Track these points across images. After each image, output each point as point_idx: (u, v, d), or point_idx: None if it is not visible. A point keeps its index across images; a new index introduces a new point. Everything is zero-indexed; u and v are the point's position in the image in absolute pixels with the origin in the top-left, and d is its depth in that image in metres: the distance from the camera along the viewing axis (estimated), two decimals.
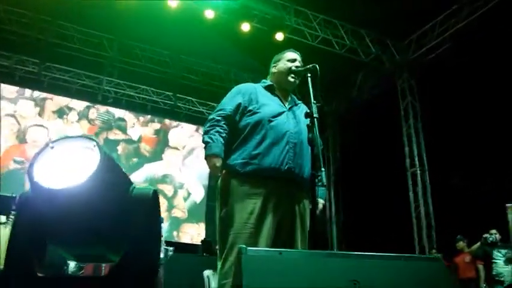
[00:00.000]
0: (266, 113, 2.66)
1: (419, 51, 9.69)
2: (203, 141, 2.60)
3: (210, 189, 10.50)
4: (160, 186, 10.69)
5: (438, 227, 9.32)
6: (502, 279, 6.52)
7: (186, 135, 11.65)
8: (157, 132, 11.39)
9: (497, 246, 6.79)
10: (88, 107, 10.78)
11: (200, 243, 9.76)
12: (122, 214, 1.25)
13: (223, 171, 2.68)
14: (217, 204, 2.67)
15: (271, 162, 2.54)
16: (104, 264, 5.10)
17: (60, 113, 10.47)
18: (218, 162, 2.50)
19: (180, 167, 11.19)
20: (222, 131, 2.59)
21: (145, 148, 11.07)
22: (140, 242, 1.25)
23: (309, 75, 2.65)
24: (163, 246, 7.32)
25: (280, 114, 2.71)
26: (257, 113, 2.66)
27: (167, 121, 11.66)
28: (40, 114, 10.27)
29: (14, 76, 10.36)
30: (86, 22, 9.67)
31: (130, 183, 1.39)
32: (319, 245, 2.40)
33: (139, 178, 10.40)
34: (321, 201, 2.69)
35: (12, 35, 9.55)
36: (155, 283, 1.30)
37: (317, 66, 2.67)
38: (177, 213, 10.72)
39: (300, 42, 9.08)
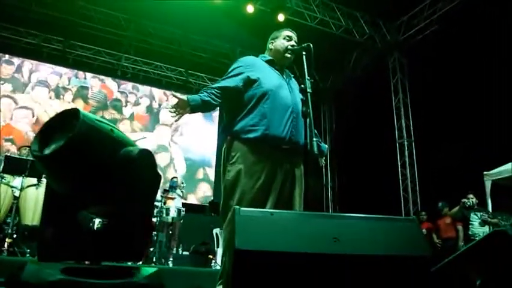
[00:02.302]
0: (271, 84, 2.62)
1: (409, 32, 9.54)
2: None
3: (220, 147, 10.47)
4: (157, 156, 10.56)
5: (423, 192, 9.36)
6: (477, 238, 6.56)
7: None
8: (148, 109, 11.12)
9: (474, 209, 6.82)
10: (83, 87, 10.52)
11: (207, 204, 9.90)
12: (110, 174, 1.24)
13: (229, 137, 2.65)
14: (222, 169, 2.65)
15: (278, 131, 2.52)
16: None
17: (57, 93, 10.24)
18: (184, 98, 2.44)
19: (169, 142, 11.05)
20: (209, 92, 2.52)
21: (137, 125, 10.85)
22: (125, 200, 1.24)
23: (304, 53, 2.61)
24: (177, 207, 7.42)
25: (282, 86, 2.69)
26: (262, 83, 2.61)
27: (159, 99, 11.35)
28: None
29: (41, 53, 10.30)
30: (105, 3, 9.54)
31: (121, 146, 1.37)
32: (310, 204, 2.43)
33: None
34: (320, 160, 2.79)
35: (38, 15, 9.44)
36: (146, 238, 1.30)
37: (311, 45, 2.62)
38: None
39: (299, 23, 8.97)
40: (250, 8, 8.72)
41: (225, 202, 2.55)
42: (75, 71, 10.59)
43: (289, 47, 2.76)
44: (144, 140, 10.66)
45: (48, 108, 9.94)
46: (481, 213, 6.76)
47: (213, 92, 2.55)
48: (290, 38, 2.81)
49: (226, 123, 2.73)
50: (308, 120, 2.44)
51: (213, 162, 11.27)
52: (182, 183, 8.14)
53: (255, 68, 2.69)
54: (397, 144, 9.84)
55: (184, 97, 2.49)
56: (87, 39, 10.32)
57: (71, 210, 1.35)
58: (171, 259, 7.10)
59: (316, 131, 2.77)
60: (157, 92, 11.37)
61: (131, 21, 10.05)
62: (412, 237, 1.30)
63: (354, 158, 10.47)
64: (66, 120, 1.20)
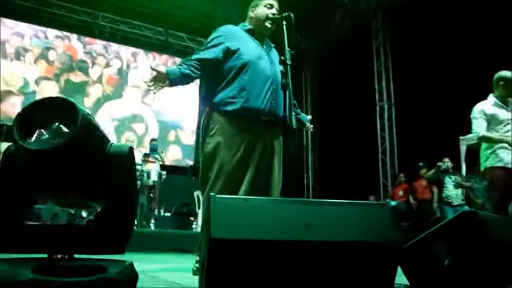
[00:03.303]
0: (251, 55, 2.58)
1: None
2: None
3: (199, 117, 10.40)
4: (133, 126, 10.40)
5: (402, 155, 9.55)
6: (450, 200, 6.80)
7: (146, 74, 11.10)
8: (119, 72, 10.69)
9: (448, 173, 7.00)
10: (47, 48, 9.94)
11: (188, 167, 9.92)
12: (99, 171, 1.21)
13: (208, 109, 2.63)
14: (201, 140, 2.64)
15: (257, 104, 2.51)
16: None
17: (17, 54, 9.61)
18: (163, 71, 2.41)
19: (140, 105, 10.72)
20: (188, 65, 2.49)
21: (107, 88, 10.46)
22: (115, 199, 1.23)
23: (284, 23, 2.56)
24: (158, 171, 7.43)
25: (262, 56, 2.64)
26: (242, 54, 2.56)
27: (128, 60, 10.90)
28: None
29: (14, 10, 9.78)
30: None
31: (108, 141, 1.34)
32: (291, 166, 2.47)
33: (103, 117, 9.99)
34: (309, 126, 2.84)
35: None
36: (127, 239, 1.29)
37: (292, 14, 2.56)
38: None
39: None
40: None
41: (203, 174, 2.57)
42: (36, 30, 9.96)
43: (270, 15, 2.69)
44: (118, 107, 10.36)
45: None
46: (455, 177, 6.95)
47: (193, 64, 2.51)
48: (271, 6, 2.73)
49: (205, 94, 2.70)
50: (288, 92, 2.44)
51: (185, 125, 11.07)
52: (162, 151, 8.11)
53: (235, 38, 2.63)
54: (377, 107, 9.91)
55: (163, 70, 2.43)
56: None
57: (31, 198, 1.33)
58: (152, 221, 7.20)
59: (295, 102, 2.77)
60: (125, 54, 10.90)
61: None
62: (382, 222, 1.33)
63: (335, 121, 10.53)
64: (60, 110, 1.13)
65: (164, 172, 7.56)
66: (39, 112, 1.12)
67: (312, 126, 2.89)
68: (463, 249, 1.55)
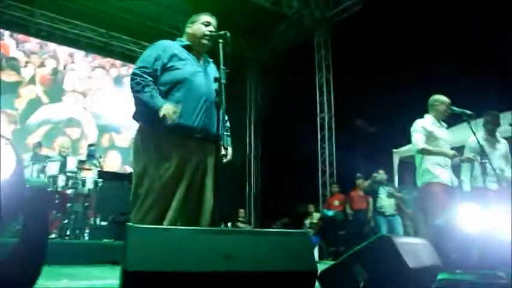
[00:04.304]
0: (186, 71, 2.57)
1: (336, 9, 9.73)
2: (143, 99, 2.42)
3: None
4: (67, 130, 9.93)
5: (340, 165, 9.87)
6: (383, 210, 7.10)
7: (83, 77, 10.52)
8: (54, 72, 10.11)
9: (382, 184, 7.32)
10: None
11: (127, 173, 9.64)
12: (19, 208, 1.15)
13: (140, 125, 2.60)
14: (133, 158, 2.58)
15: (190, 121, 2.49)
16: None
17: None
18: (173, 109, 2.35)
19: (78, 110, 10.25)
20: (154, 87, 2.46)
21: (41, 89, 9.88)
22: (29, 234, 1.17)
23: (220, 41, 2.58)
24: (94, 178, 7.15)
25: (197, 73, 2.63)
26: (177, 69, 2.54)
27: (64, 61, 10.36)
28: None
29: None
30: None
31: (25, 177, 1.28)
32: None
33: (37, 121, 9.52)
34: (229, 150, 2.72)
35: None
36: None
37: (228, 33, 2.59)
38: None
39: None
40: None
41: (134, 190, 2.51)
42: None
43: (207, 32, 2.70)
44: (54, 111, 9.82)
45: None
46: (388, 187, 7.28)
47: (150, 84, 2.47)
48: (208, 24, 2.73)
49: (137, 109, 2.64)
50: (221, 111, 2.47)
51: (122, 129, 10.70)
52: (100, 156, 7.81)
53: (171, 53, 2.61)
54: (318, 118, 10.19)
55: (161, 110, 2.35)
56: None
57: None
58: (87, 231, 6.90)
59: (227, 119, 2.78)
60: (63, 53, 10.38)
61: None
62: (301, 251, 1.37)
63: (277, 130, 10.70)
64: None
65: (101, 180, 7.28)
66: None
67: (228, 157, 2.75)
68: (378, 271, 1.63)
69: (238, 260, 1.27)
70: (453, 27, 7.30)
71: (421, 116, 4.10)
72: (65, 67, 10.30)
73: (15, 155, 1.16)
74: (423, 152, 3.88)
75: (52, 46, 10.28)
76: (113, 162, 10.39)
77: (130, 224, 1.27)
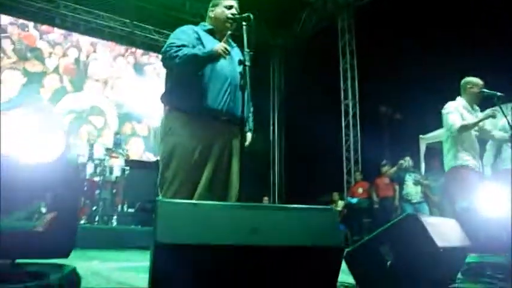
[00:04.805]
0: None
1: None
2: (189, 53, 2.43)
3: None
4: (91, 118, 10.08)
5: (365, 152, 9.75)
6: (410, 198, 7.00)
7: (105, 66, 10.67)
8: (76, 62, 10.30)
9: (409, 170, 7.21)
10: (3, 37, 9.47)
11: (153, 162, 9.78)
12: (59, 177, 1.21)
13: (167, 108, 2.63)
14: (161, 140, 2.62)
15: (215, 104, 2.50)
16: None
17: None
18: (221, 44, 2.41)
19: (100, 98, 10.38)
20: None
21: (65, 78, 10.05)
22: (59, 206, 1.22)
23: (243, 23, 2.57)
24: (121, 166, 7.31)
25: (221, 56, 2.64)
26: None
27: (86, 51, 10.53)
28: None
29: None
30: None
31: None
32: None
33: (62, 109, 9.69)
34: (249, 135, 2.75)
35: None
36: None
37: (251, 15, 2.57)
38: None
39: None
40: None
41: (162, 174, 2.55)
42: None
43: (229, 15, 2.69)
44: (77, 100, 10.00)
45: None
46: (415, 175, 7.17)
47: (185, 45, 2.48)
48: (231, 7, 2.73)
49: (165, 92, 2.68)
50: (246, 94, 2.47)
51: (143, 118, 10.70)
52: (125, 144, 7.97)
53: (195, 37, 2.62)
54: (342, 105, 10.09)
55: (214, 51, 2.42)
56: None
57: None
58: (115, 217, 7.08)
59: (252, 103, 2.78)
60: (85, 43, 10.58)
61: None
62: (327, 227, 1.37)
63: (301, 117, 10.64)
64: None
65: (127, 167, 7.44)
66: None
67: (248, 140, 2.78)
68: (405, 250, 1.62)
69: (265, 234, 1.29)
70: (480, 8, 7.07)
71: (453, 99, 3.99)
72: (87, 57, 10.48)
73: (65, 142, 1.23)
74: (463, 129, 3.74)
75: (75, 36, 10.48)
76: (136, 150, 10.55)
77: (159, 198, 1.30)
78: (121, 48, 11.06)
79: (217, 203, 1.57)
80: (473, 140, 3.88)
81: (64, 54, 10.16)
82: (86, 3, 10.21)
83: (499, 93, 3.76)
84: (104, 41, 10.83)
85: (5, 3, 9.59)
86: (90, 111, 10.12)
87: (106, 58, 10.73)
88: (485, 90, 3.89)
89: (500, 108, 3.75)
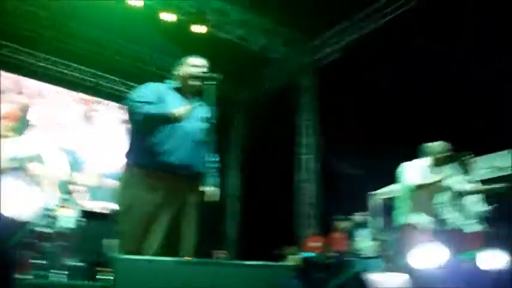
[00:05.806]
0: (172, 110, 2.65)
1: (321, 54, 10.18)
2: (144, 115, 2.52)
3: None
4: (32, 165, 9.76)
5: (320, 207, 9.89)
6: (363, 252, 7.11)
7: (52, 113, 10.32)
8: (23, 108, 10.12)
9: (362, 225, 7.37)
10: None
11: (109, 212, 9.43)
12: None
13: (126, 162, 2.65)
14: (120, 193, 2.61)
15: (176, 159, 2.57)
16: None
17: None
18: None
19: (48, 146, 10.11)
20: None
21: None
22: None
23: (210, 82, 2.68)
24: (74, 217, 7.01)
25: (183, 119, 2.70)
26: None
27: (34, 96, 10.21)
28: None
29: None
30: None
31: None
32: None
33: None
34: (213, 189, 2.74)
35: None
36: None
37: (216, 75, 2.69)
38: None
39: (217, 37, 9.11)
40: (170, 17, 8.65)
41: (118, 226, 2.54)
42: None
43: (195, 73, 2.80)
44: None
45: None
46: (368, 229, 7.33)
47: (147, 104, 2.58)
48: (197, 66, 2.84)
49: (128, 147, 2.71)
50: (210, 149, 2.56)
51: (88, 166, 10.39)
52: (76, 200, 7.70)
53: (159, 94, 2.70)
54: (303, 159, 10.30)
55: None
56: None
57: None
58: (65, 272, 6.68)
59: (218, 159, 2.84)
60: (33, 89, 10.22)
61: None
62: (283, 284, 1.40)
63: (260, 171, 10.76)
64: None
65: (84, 219, 7.16)
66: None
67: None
68: None
69: None
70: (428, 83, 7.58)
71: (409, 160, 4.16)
72: (34, 103, 10.10)
73: None
74: (419, 188, 3.89)
75: (25, 82, 10.14)
76: (83, 200, 10.10)
77: (116, 255, 1.30)
78: (71, 95, 10.76)
79: (173, 259, 1.57)
80: (427, 197, 3.99)
81: (11, 101, 9.81)
82: (52, 52, 10.16)
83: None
84: (54, 87, 10.52)
85: None
86: (32, 159, 9.68)
87: (54, 104, 10.44)
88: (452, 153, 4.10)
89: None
